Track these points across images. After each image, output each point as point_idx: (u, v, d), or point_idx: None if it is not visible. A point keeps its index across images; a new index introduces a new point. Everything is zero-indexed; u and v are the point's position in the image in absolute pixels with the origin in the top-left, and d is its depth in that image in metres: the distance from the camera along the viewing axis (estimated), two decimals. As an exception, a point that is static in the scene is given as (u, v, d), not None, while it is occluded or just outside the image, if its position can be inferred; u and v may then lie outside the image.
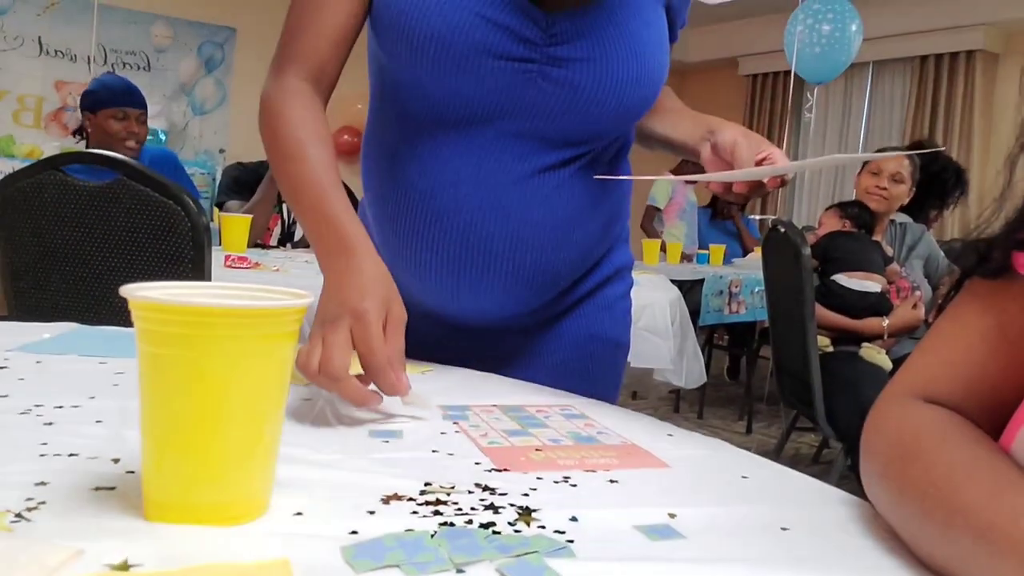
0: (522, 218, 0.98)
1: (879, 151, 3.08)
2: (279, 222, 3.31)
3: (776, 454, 3.03)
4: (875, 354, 2.71)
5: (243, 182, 3.18)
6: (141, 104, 2.93)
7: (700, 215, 5.62)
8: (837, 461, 2.65)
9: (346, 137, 6.54)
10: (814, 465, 3.66)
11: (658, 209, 5.30)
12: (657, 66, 0.99)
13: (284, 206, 3.33)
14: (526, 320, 1.08)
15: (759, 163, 0.90)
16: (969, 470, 0.49)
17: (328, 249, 0.86)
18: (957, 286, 0.62)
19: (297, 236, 3.30)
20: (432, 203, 0.99)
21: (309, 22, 0.96)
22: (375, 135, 1.06)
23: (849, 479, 2.56)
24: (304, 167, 0.90)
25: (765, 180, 0.90)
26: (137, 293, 0.47)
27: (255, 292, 0.54)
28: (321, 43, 0.96)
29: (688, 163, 5.25)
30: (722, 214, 5.55)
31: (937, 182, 3.20)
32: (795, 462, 3.61)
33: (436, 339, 1.08)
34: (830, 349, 2.75)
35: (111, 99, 2.87)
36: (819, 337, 2.60)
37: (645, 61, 0.97)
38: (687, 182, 5.26)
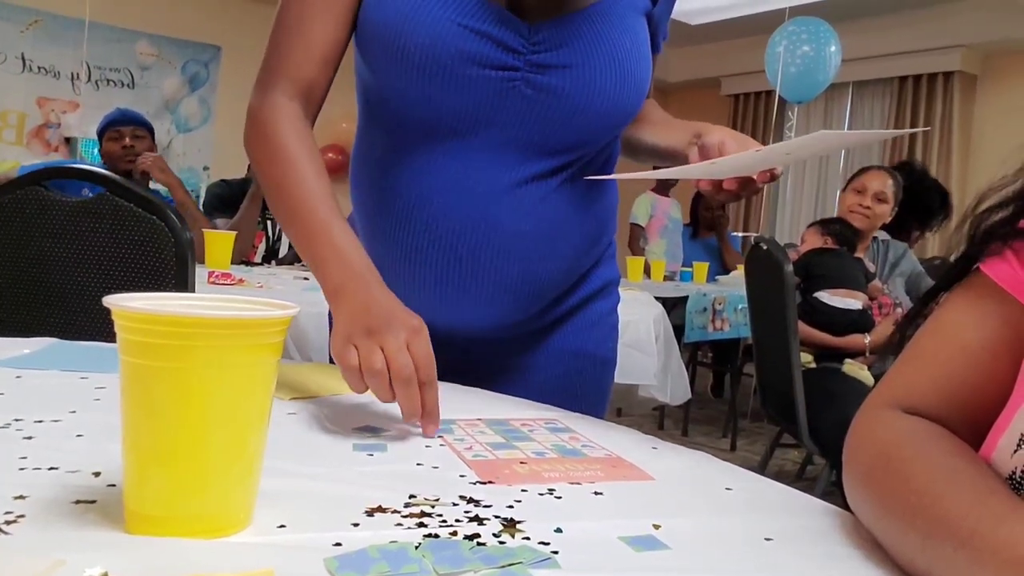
0: (508, 229, 0.99)
1: (863, 170, 3.10)
2: (264, 239, 3.30)
3: (760, 470, 3.03)
4: (858, 370, 2.72)
5: (227, 199, 3.18)
6: (133, 121, 3.04)
7: (682, 232, 5.65)
8: (821, 477, 2.65)
9: (331, 155, 6.54)
10: (798, 481, 3.67)
11: (641, 227, 5.33)
12: (640, 73, 1.00)
13: (269, 223, 3.33)
14: (512, 333, 1.07)
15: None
16: (949, 479, 0.49)
17: (336, 275, 0.86)
18: (925, 300, 0.63)
19: (282, 253, 3.30)
20: (419, 214, 0.99)
21: (296, 39, 0.96)
22: (363, 151, 1.06)
23: (833, 494, 2.56)
24: (301, 190, 0.90)
25: (755, 175, 0.89)
26: (120, 303, 0.47)
27: (239, 304, 0.54)
28: (309, 61, 0.96)
29: (664, 184, 5.28)
30: (704, 230, 5.58)
31: (922, 204, 3.23)
32: (779, 478, 3.57)
33: None
34: (813, 365, 2.76)
35: (107, 124, 3.04)
36: (802, 354, 2.61)
37: (628, 68, 0.98)
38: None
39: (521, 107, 0.95)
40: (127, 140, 2.97)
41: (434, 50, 0.92)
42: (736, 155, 0.87)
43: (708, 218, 5.52)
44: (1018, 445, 0.50)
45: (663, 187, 5.37)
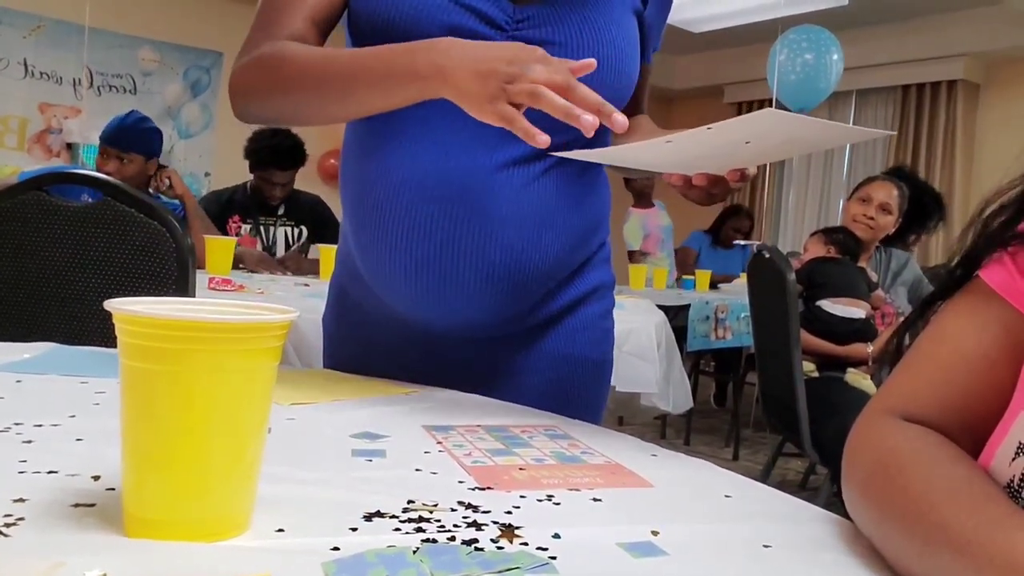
0: (489, 214, 0.97)
1: (868, 180, 3.12)
2: (259, 244, 3.31)
3: (763, 480, 3.02)
4: (860, 379, 2.72)
5: (212, 215, 3.21)
6: (119, 143, 2.94)
7: (700, 239, 5.66)
8: (824, 487, 2.65)
9: (332, 161, 6.56)
10: (801, 491, 3.66)
11: (639, 251, 5.34)
12: (626, 62, 1.00)
13: (261, 228, 3.34)
14: (501, 332, 1.06)
15: (731, 175, 0.89)
16: (947, 486, 0.49)
17: (427, 58, 0.81)
18: (923, 308, 0.63)
19: (278, 256, 3.30)
20: (399, 199, 0.98)
21: (288, 4, 0.97)
22: (349, 141, 1.07)
23: (836, 505, 2.53)
24: (338, 54, 0.89)
25: (724, 174, 0.88)
26: (121, 307, 0.47)
27: (239, 308, 0.54)
28: (299, 21, 0.97)
29: (642, 197, 5.30)
30: (724, 241, 5.61)
31: (919, 207, 3.25)
32: (782, 488, 3.54)
33: (415, 356, 1.07)
34: (815, 374, 2.75)
35: (102, 138, 2.97)
36: (804, 362, 2.61)
37: (613, 53, 0.98)
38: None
39: None
40: (111, 166, 2.90)
41: (417, 21, 0.93)
42: (691, 131, 0.83)
43: (730, 231, 5.56)
44: (1016, 453, 0.50)
45: (643, 200, 5.38)
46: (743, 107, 7.92)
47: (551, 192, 1.01)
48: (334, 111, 0.92)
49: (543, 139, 0.76)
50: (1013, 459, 0.51)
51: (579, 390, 1.11)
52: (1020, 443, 0.50)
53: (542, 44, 0.93)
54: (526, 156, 0.98)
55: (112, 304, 0.47)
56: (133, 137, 2.98)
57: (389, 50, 0.85)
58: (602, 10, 0.99)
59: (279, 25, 0.96)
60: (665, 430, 4.65)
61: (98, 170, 2.94)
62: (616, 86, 1.00)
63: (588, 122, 0.74)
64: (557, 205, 1.02)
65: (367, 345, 1.12)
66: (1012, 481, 0.50)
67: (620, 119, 0.76)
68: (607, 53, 0.98)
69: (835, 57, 5.05)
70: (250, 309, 0.54)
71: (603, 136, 1.06)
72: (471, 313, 1.02)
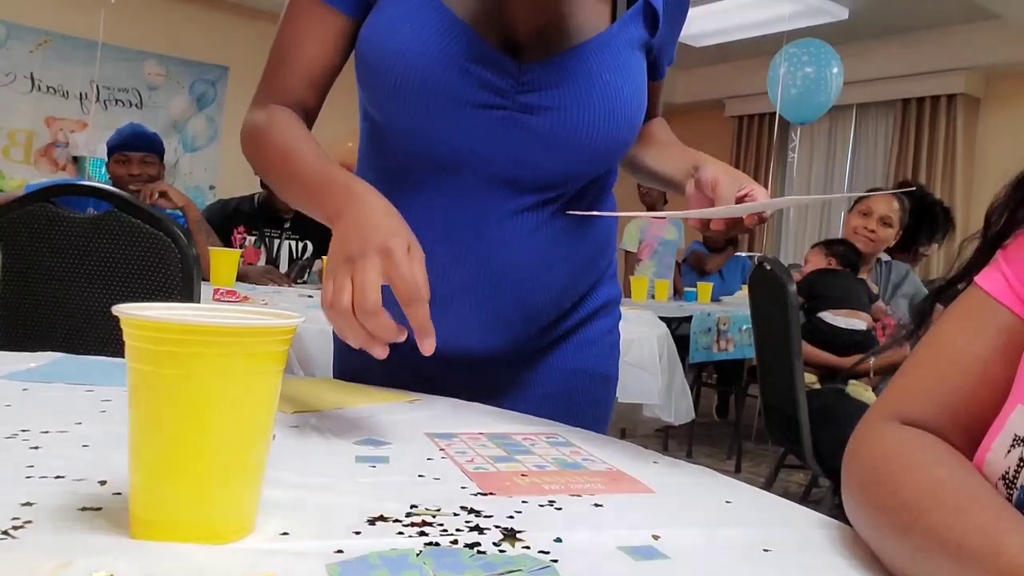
0: (499, 262, 0.99)
1: (870, 191, 3.13)
2: (263, 255, 3.32)
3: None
4: (862, 391, 2.72)
5: (216, 223, 3.22)
6: (142, 147, 3.05)
7: (700, 249, 5.68)
8: (825, 499, 2.65)
9: (336, 175, 6.59)
10: (803, 503, 3.63)
11: (632, 253, 5.37)
12: (631, 111, 0.99)
13: (266, 239, 3.35)
14: (510, 352, 1.08)
15: (740, 200, 0.91)
16: (934, 491, 0.50)
17: (335, 202, 0.84)
18: (920, 316, 0.64)
19: (282, 270, 3.31)
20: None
21: (288, 62, 1.00)
22: (362, 171, 1.07)
23: (837, 516, 2.54)
24: (293, 158, 0.93)
25: (743, 217, 0.90)
26: (128, 312, 0.48)
27: (244, 313, 0.54)
28: (298, 80, 1.00)
29: (655, 207, 5.34)
30: (716, 249, 5.62)
31: (929, 216, 3.27)
32: (783, 500, 3.59)
33: (421, 371, 1.08)
34: (817, 386, 2.76)
35: (115, 146, 3.07)
36: (806, 374, 2.61)
37: (618, 107, 0.97)
38: (659, 218, 5.30)
39: (509, 145, 0.95)
40: (135, 168, 3.00)
41: (422, 86, 0.93)
42: (725, 207, 0.90)
43: (718, 241, 5.58)
44: (1012, 445, 0.51)
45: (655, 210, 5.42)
46: (744, 120, 7.95)
47: (559, 231, 1.02)
48: (288, 200, 0.98)
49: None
50: (1009, 451, 0.51)
51: (585, 402, 1.12)
52: (1016, 436, 0.51)
53: (546, 110, 0.95)
54: (534, 204, 1.00)
55: (120, 309, 0.48)
56: (149, 140, 3.10)
57: (319, 174, 0.89)
58: (607, 59, 0.97)
59: (278, 86, 1.01)
60: (667, 442, 4.64)
61: (115, 175, 3.01)
62: (621, 135, 0.99)
63: (427, 348, 0.76)
64: (566, 242, 1.03)
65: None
66: (1007, 472, 0.51)
67: (431, 344, 0.77)
68: (613, 109, 0.97)
69: (835, 71, 5.08)
70: (255, 314, 0.54)
71: (607, 180, 1.08)
72: (482, 345, 1.05)
